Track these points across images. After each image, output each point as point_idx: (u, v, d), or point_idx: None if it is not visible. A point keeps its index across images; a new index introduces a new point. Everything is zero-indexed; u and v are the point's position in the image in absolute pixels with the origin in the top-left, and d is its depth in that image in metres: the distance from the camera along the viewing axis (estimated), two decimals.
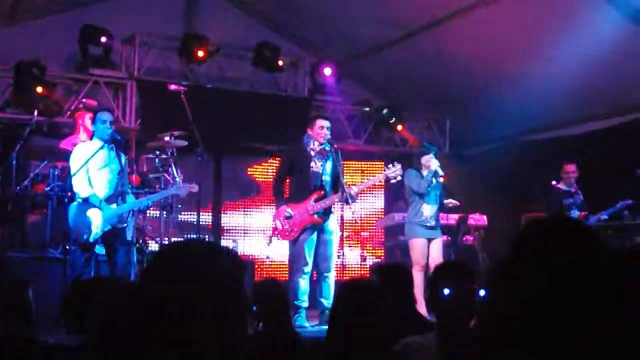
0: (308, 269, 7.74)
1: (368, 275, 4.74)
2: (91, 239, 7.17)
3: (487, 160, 12.40)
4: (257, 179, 12.02)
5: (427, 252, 8.58)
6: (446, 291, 3.53)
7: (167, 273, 1.85)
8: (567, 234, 1.70)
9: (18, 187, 9.38)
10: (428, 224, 8.60)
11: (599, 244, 1.69)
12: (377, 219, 12.39)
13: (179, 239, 10.26)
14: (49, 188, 8.98)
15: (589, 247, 1.66)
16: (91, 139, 7.63)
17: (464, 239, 10.86)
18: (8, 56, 10.34)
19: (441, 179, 8.73)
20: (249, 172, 12.05)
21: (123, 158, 7.50)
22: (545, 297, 1.61)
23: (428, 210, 8.62)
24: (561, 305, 1.59)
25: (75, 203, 7.32)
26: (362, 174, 12.01)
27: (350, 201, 7.68)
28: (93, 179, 7.30)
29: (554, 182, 10.14)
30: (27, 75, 10.06)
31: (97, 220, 7.18)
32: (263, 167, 11.99)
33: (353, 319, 3.11)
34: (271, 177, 10.61)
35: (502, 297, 1.70)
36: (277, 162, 10.33)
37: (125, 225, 7.44)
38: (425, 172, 8.64)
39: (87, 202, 7.23)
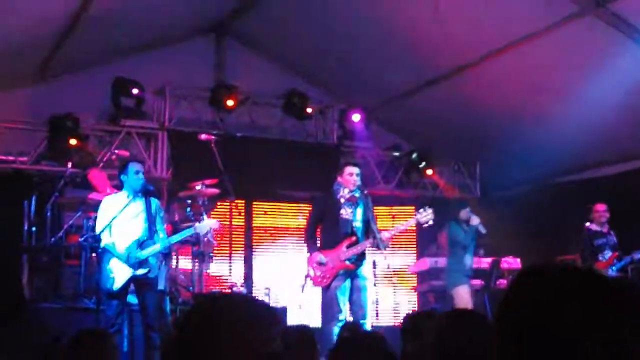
0: (342, 316, 7.66)
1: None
2: (115, 288, 7.20)
3: (519, 203, 12.28)
4: (287, 226, 12.01)
5: None
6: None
7: (203, 326, 1.88)
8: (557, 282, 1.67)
9: (52, 238, 9.52)
10: (469, 274, 9.37)
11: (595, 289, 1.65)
12: (409, 264, 12.28)
13: (214, 291, 10.31)
14: (82, 239, 9.08)
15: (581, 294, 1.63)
16: (121, 189, 7.68)
17: (498, 282, 10.73)
18: (42, 110, 10.53)
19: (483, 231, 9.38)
20: (279, 219, 12.05)
21: (154, 204, 7.52)
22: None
23: (469, 260, 9.35)
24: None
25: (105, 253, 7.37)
26: (393, 219, 11.98)
27: (381, 247, 7.65)
28: (124, 229, 7.34)
29: (587, 224, 10.03)
30: (60, 128, 10.24)
31: (117, 269, 7.24)
32: (293, 214, 11.99)
33: None
34: (301, 223, 10.61)
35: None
36: (306, 207, 10.38)
37: (155, 274, 7.44)
38: (465, 225, 9.35)
39: (109, 252, 7.29)
